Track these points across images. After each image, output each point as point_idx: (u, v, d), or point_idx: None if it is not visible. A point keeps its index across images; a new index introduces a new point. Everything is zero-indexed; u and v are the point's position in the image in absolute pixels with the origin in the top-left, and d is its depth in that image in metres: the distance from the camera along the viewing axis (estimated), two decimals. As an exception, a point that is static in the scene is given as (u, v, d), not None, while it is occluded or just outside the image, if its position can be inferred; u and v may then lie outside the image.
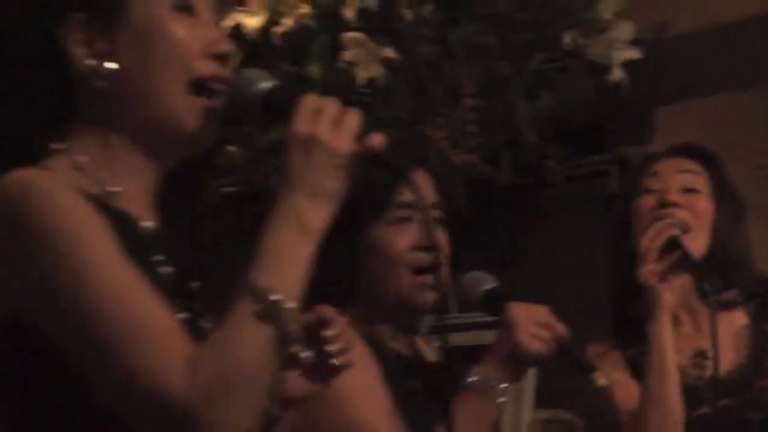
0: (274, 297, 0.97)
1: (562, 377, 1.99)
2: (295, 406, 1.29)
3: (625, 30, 2.46)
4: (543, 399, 2.53)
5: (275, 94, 1.08)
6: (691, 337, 2.02)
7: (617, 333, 2.07)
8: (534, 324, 1.63)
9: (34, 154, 1.09)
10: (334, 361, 1.19)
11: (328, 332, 1.17)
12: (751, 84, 2.55)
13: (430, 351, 1.94)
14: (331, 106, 1.03)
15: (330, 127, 1.02)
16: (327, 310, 1.20)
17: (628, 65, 2.55)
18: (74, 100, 1.12)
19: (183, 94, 1.08)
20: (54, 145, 1.09)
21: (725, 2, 2.62)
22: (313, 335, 1.17)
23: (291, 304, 0.98)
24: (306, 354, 0.99)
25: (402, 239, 1.67)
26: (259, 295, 0.97)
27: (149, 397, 0.93)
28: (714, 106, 2.63)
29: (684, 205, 2.01)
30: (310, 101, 1.03)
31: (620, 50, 2.45)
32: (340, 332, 1.20)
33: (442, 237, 1.69)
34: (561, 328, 1.63)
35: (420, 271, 1.65)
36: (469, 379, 1.64)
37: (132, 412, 0.95)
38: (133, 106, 1.10)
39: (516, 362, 1.64)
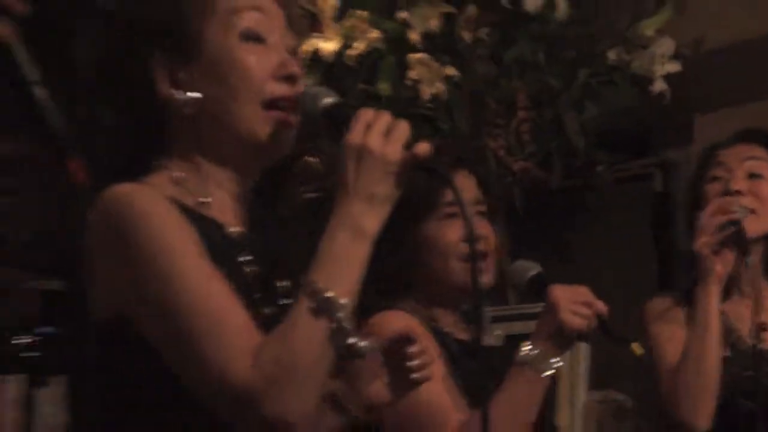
0: (328, 294, 1.01)
1: (615, 360, 2.20)
2: (376, 411, 1.36)
3: (666, 46, 2.60)
4: (596, 380, 2.63)
5: (335, 108, 1.12)
6: (753, 311, 2.05)
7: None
8: (575, 302, 1.68)
9: (141, 170, 1.18)
10: (416, 375, 1.25)
11: (411, 349, 1.23)
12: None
13: (490, 338, 2.10)
14: (383, 118, 1.05)
15: (381, 137, 1.05)
16: (410, 330, 1.27)
17: (669, 77, 2.64)
18: (170, 124, 1.20)
19: (257, 113, 1.14)
20: (156, 162, 1.17)
21: (754, 19, 2.73)
22: (396, 350, 1.25)
23: (344, 300, 1.01)
24: (364, 344, 1.04)
25: (451, 232, 1.78)
26: (315, 292, 1.01)
27: (219, 384, 0.99)
28: (748, 112, 2.70)
29: (748, 191, 2.10)
30: (365, 114, 1.06)
31: (662, 64, 2.57)
32: (422, 349, 1.25)
33: (487, 229, 1.81)
34: (600, 305, 1.69)
35: (470, 259, 1.71)
36: (520, 354, 1.70)
37: (207, 396, 1.02)
38: (215, 128, 1.17)
39: (561, 338, 1.69)
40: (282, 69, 1.14)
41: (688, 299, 2.09)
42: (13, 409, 2.27)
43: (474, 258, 1.59)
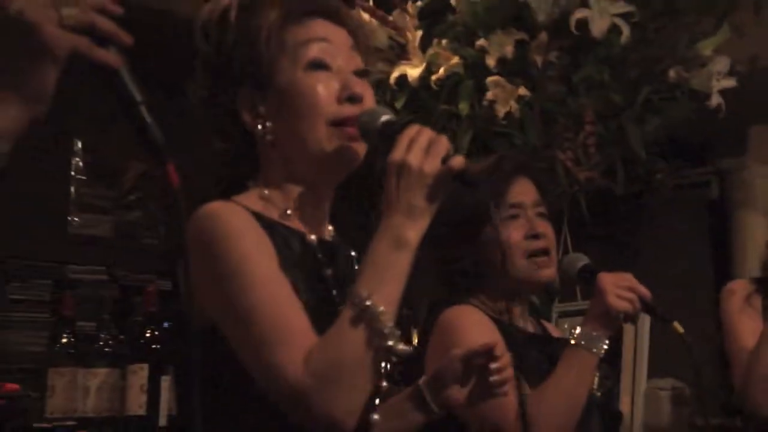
0: (368, 303, 1.07)
1: (675, 348, 2.11)
2: (453, 410, 1.44)
3: (722, 63, 2.67)
4: (657, 368, 2.74)
5: (388, 125, 1.19)
6: None
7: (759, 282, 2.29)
8: (620, 287, 1.78)
9: (236, 190, 1.28)
10: (496, 390, 1.32)
11: (494, 365, 1.29)
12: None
13: (557, 331, 2.20)
14: (425, 134, 1.12)
15: (421, 152, 1.11)
16: (496, 347, 1.31)
17: (725, 92, 2.70)
18: (258, 150, 1.29)
19: (324, 132, 1.20)
20: (249, 183, 1.28)
21: None
22: (481, 361, 1.31)
23: (382, 308, 1.06)
24: (403, 347, 1.10)
25: (515, 232, 1.88)
26: (356, 301, 1.08)
27: (279, 383, 1.06)
28: None
29: None
30: (409, 131, 1.14)
31: (718, 80, 2.64)
32: (503, 366, 1.31)
33: (546, 227, 1.92)
34: (643, 290, 1.80)
35: (533, 254, 1.89)
36: (573, 337, 1.81)
37: (271, 393, 1.08)
38: (292, 150, 1.25)
39: (608, 320, 1.79)
40: (345, 91, 1.20)
41: (764, 289, 2.23)
42: (142, 393, 2.45)
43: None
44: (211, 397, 1.08)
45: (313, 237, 1.27)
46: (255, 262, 1.15)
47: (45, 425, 2.36)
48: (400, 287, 1.11)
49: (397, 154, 1.12)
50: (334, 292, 1.23)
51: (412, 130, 1.14)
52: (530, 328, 2.03)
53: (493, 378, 1.32)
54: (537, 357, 1.93)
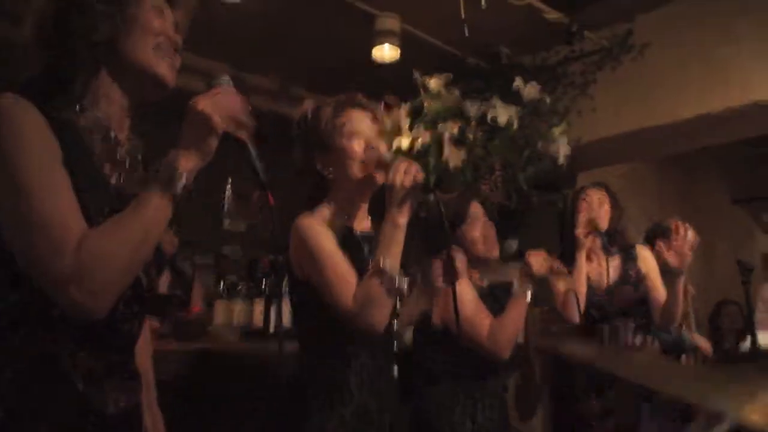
0: (381, 263, 1.57)
1: None
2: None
3: (564, 140, 3.85)
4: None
5: (385, 161, 1.70)
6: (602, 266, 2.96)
7: None
8: (539, 260, 2.40)
9: (315, 206, 1.80)
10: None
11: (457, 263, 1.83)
12: None
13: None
14: (404, 163, 1.60)
15: (401, 174, 1.59)
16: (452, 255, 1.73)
17: (566, 155, 3.84)
18: (325, 183, 1.82)
19: (359, 168, 1.75)
20: (322, 201, 1.79)
21: (607, 127, 4.12)
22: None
23: (389, 263, 1.57)
24: (405, 287, 1.60)
25: (475, 230, 2.52)
26: (375, 262, 1.59)
27: (340, 311, 1.60)
28: (601, 172, 4.08)
29: (598, 212, 3.01)
30: (396, 164, 1.63)
31: (562, 149, 3.81)
32: (462, 261, 1.97)
33: (492, 228, 2.55)
34: (552, 260, 2.44)
35: (485, 243, 2.54)
36: (514, 288, 2.39)
37: (339, 316, 1.59)
38: (342, 182, 1.80)
39: (533, 277, 2.40)
40: (368, 144, 1.78)
41: (570, 262, 2.93)
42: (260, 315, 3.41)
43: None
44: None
45: (359, 231, 1.78)
46: (333, 250, 1.65)
47: (211, 329, 3.38)
48: (400, 249, 1.59)
49: (390, 177, 1.63)
50: (370, 259, 1.69)
51: (397, 163, 1.64)
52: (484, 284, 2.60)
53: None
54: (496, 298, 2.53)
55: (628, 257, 3.14)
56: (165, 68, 1.29)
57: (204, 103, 1.17)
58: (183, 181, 1.16)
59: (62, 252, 1.06)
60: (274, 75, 5.01)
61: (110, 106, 1.28)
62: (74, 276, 1.05)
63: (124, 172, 1.28)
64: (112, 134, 1.28)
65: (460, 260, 1.93)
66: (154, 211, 1.14)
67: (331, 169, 1.84)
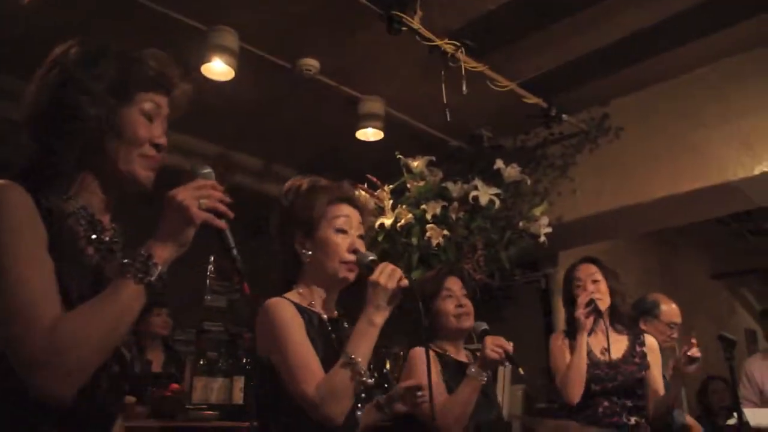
0: (352, 356, 1.58)
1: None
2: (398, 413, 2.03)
3: (545, 220, 3.86)
4: (514, 381, 3.87)
5: (372, 262, 1.74)
6: (605, 342, 2.95)
7: None
8: (495, 345, 2.35)
9: (287, 289, 1.79)
10: (420, 402, 1.91)
11: (419, 393, 1.96)
12: None
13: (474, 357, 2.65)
14: (389, 267, 1.65)
15: (386, 277, 1.63)
16: (419, 382, 1.92)
17: (547, 234, 3.83)
18: (300, 266, 1.81)
19: (340, 267, 1.79)
20: (293, 286, 1.81)
21: (587, 207, 4.20)
22: (412, 391, 1.90)
23: (360, 359, 1.58)
24: (371, 381, 1.60)
25: (450, 304, 2.61)
26: (346, 354, 1.59)
27: (301, 399, 1.59)
28: (583, 249, 4.10)
29: (595, 289, 2.99)
30: (381, 265, 1.67)
31: (543, 228, 3.81)
32: (424, 391, 1.92)
33: (467, 301, 2.60)
34: (508, 346, 2.35)
35: (457, 315, 2.61)
36: (468, 371, 2.38)
37: (300, 403, 1.56)
38: (318, 271, 1.81)
39: (487, 363, 2.37)
40: (351, 246, 1.81)
41: (572, 337, 2.98)
42: (240, 392, 3.37)
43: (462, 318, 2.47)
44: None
45: (325, 316, 1.78)
46: (297, 334, 1.63)
47: (190, 407, 3.28)
48: (371, 346, 1.64)
49: (374, 276, 1.66)
50: (338, 346, 1.70)
51: (383, 264, 1.67)
52: (463, 358, 2.63)
53: (419, 398, 1.99)
54: (459, 377, 2.44)
55: (636, 340, 3.13)
56: (144, 174, 1.35)
57: (183, 195, 1.21)
58: (158, 270, 1.19)
59: (34, 333, 1.08)
60: (258, 154, 5.06)
61: (92, 197, 1.34)
62: (44, 357, 1.06)
63: (105, 256, 1.32)
64: (96, 219, 1.33)
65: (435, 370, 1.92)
66: (128, 299, 1.16)
67: (309, 253, 1.85)
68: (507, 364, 2.40)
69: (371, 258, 1.81)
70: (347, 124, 4.21)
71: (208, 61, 3.46)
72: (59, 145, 1.27)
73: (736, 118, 3.85)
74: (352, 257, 1.83)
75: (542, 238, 3.98)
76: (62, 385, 1.09)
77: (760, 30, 3.62)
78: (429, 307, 2.59)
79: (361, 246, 1.86)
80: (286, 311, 1.73)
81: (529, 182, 4.11)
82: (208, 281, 4.47)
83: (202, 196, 1.22)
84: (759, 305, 7.15)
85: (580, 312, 3.00)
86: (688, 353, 2.76)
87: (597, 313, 3.02)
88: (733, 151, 3.83)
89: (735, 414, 3.15)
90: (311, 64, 3.86)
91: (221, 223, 1.26)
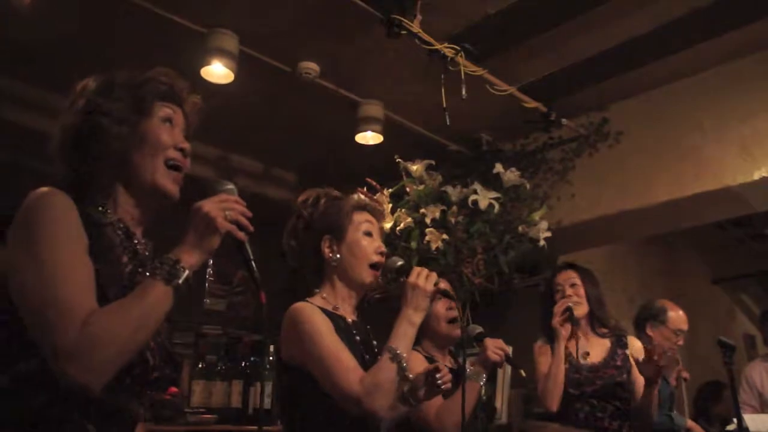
0: (397, 351, 1.68)
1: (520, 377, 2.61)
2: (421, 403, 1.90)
3: (544, 224, 3.82)
4: (514, 384, 3.75)
5: (402, 266, 1.86)
6: (580, 347, 2.99)
7: None
8: (495, 347, 2.37)
9: (310, 295, 1.81)
10: (442, 387, 1.79)
11: (438, 375, 1.78)
12: None
13: (460, 363, 2.71)
14: (425, 271, 1.79)
15: (423, 279, 1.76)
16: (440, 365, 1.79)
17: (546, 238, 3.80)
18: (326, 270, 1.90)
19: (367, 270, 1.89)
20: (316, 291, 1.88)
21: (586, 212, 4.18)
22: (431, 375, 1.77)
23: (404, 354, 1.68)
24: (412, 375, 1.69)
25: (441, 307, 2.62)
26: (391, 349, 1.69)
27: (342, 395, 1.65)
28: (578, 255, 4.15)
29: (573, 294, 3.08)
30: (417, 269, 1.80)
31: (543, 233, 3.78)
32: (446, 374, 1.80)
33: (460, 309, 2.36)
34: (507, 349, 2.40)
35: (450, 321, 2.63)
36: (467, 373, 2.31)
37: (339, 401, 1.65)
38: (346, 274, 1.90)
39: (487, 365, 2.39)
40: (379, 249, 1.94)
41: (552, 344, 3.04)
42: (239, 396, 3.46)
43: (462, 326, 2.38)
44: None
45: (350, 319, 1.87)
46: (326, 332, 1.70)
47: (188, 410, 3.33)
48: (411, 345, 1.76)
49: (412, 279, 1.80)
50: (362, 347, 1.81)
51: (418, 268, 1.82)
52: (449, 364, 2.61)
53: (438, 381, 1.80)
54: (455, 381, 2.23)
55: (619, 343, 3.13)
56: (169, 184, 1.44)
57: (210, 206, 1.31)
58: (185, 275, 1.27)
59: (68, 324, 1.14)
60: (258, 157, 5.07)
61: (126, 211, 1.44)
62: (75, 350, 1.12)
63: (138, 267, 1.40)
64: (131, 232, 1.43)
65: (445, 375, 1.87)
66: (156, 299, 1.23)
67: (338, 256, 1.91)
68: (505, 365, 2.48)
69: (400, 263, 1.90)
70: (347, 128, 4.22)
71: (208, 64, 3.48)
72: (91, 166, 1.38)
73: (735, 122, 3.85)
74: (379, 258, 1.91)
75: (542, 243, 3.95)
76: (90, 377, 1.14)
77: (761, 34, 3.62)
78: None
79: (384, 250, 1.94)
80: (315, 314, 1.78)
81: (528, 186, 4.11)
82: (207, 284, 4.49)
83: (226, 208, 1.32)
84: (759, 310, 7.12)
85: (556, 320, 3.04)
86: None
87: (573, 320, 3.05)
88: (733, 156, 3.83)
89: (735, 420, 3.14)
90: (311, 67, 3.87)
91: (242, 235, 1.35)
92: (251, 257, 1.38)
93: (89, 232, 1.28)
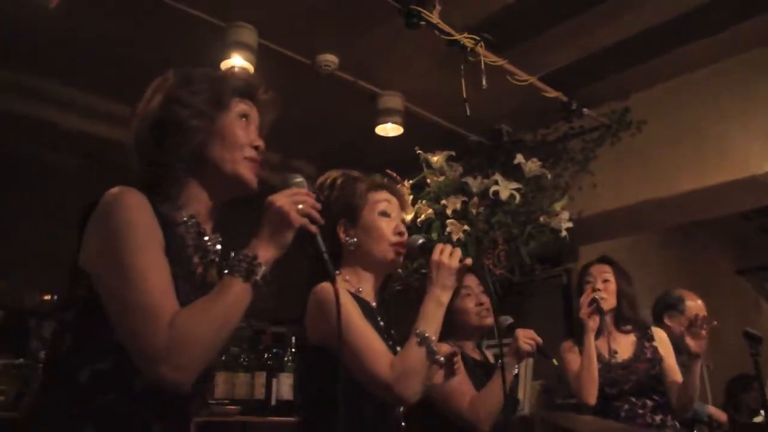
0: (426, 334, 1.61)
1: (545, 368, 2.87)
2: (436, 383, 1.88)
3: (565, 215, 3.80)
4: (535, 376, 3.72)
5: (424, 245, 1.79)
6: (609, 343, 2.91)
7: None
8: (526, 337, 2.36)
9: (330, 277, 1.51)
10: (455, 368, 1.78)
11: (455, 359, 1.79)
12: None
13: (489, 356, 2.82)
14: (448, 247, 1.71)
15: (447, 256, 1.67)
16: (455, 352, 1.78)
17: (568, 229, 3.78)
18: (345, 253, 1.84)
19: (387, 249, 1.81)
20: (336, 272, 1.70)
21: (607, 201, 4.14)
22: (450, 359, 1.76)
23: (433, 337, 1.61)
24: (441, 358, 1.61)
25: (469, 302, 2.62)
26: (419, 333, 1.61)
27: (372, 381, 1.59)
28: (604, 246, 4.06)
29: (604, 289, 2.99)
30: (440, 245, 1.72)
31: (564, 223, 3.76)
32: (458, 361, 1.82)
33: (487, 300, 2.58)
34: (538, 339, 2.36)
35: (478, 314, 2.60)
36: (500, 362, 2.16)
37: (367, 386, 1.59)
38: (366, 257, 1.83)
39: (519, 355, 2.36)
40: (397, 229, 1.86)
41: (580, 342, 2.97)
42: (262, 387, 3.42)
43: (496, 315, 2.32)
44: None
45: (373, 304, 1.85)
46: (357, 317, 1.64)
47: (212, 402, 3.29)
48: (440, 325, 1.67)
49: (435, 256, 1.71)
50: (386, 333, 1.79)
51: (441, 245, 1.73)
52: (477, 356, 2.66)
53: (454, 365, 1.81)
54: (480, 374, 2.47)
55: (644, 336, 3.10)
56: (249, 174, 1.45)
57: (282, 201, 1.31)
58: (263, 270, 1.27)
59: (157, 329, 1.17)
60: (277, 149, 5.07)
61: (199, 205, 1.44)
62: (166, 352, 1.15)
63: (209, 263, 1.42)
64: (202, 229, 1.43)
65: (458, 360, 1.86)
66: (236, 297, 1.25)
67: (354, 240, 1.85)
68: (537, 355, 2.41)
69: (421, 240, 1.84)
70: (366, 120, 4.21)
71: (228, 57, 3.49)
72: (168, 158, 1.38)
73: (760, 110, 3.81)
74: (400, 239, 1.85)
75: (563, 233, 3.93)
76: (182, 376, 1.18)
77: (785, 21, 3.53)
78: (448, 305, 2.58)
79: (405, 230, 1.89)
80: (343, 294, 1.70)
81: (549, 177, 4.08)
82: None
83: (298, 202, 1.32)
84: (785, 300, 7.01)
85: (583, 312, 2.99)
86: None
87: (599, 312, 2.99)
88: (758, 144, 3.79)
89: (762, 412, 3.15)
90: (330, 59, 3.88)
91: (314, 228, 1.36)
92: (324, 250, 1.39)
93: (163, 231, 1.30)
